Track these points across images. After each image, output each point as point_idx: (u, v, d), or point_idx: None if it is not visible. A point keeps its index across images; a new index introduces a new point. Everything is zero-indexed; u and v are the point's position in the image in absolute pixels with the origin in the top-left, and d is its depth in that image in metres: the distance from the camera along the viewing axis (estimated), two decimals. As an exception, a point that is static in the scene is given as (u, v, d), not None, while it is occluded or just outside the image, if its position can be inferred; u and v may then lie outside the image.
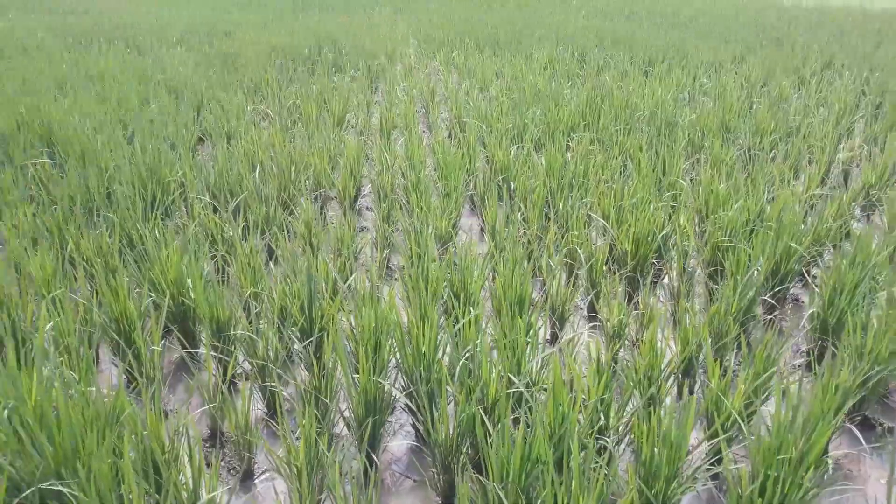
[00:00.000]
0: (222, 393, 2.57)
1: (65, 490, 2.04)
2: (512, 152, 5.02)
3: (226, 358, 2.97)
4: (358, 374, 2.62)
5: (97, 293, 3.32)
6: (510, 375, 2.48)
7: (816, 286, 3.41)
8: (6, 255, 3.60)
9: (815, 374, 3.13)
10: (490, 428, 2.20)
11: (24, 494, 2.09)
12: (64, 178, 4.55)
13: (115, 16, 12.46)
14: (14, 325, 2.85)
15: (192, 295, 3.09)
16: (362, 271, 3.95)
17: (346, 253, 3.69)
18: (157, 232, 3.57)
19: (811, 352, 3.22)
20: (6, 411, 2.11)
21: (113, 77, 7.58)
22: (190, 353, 3.19)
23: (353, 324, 2.86)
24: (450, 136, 6.42)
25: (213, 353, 2.95)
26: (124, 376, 2.93)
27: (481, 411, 2.25)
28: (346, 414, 2.80)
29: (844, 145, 5.84)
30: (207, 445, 2.68)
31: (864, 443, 2.72)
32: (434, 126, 6.56)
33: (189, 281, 3.11)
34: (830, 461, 2.55)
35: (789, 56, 9.57)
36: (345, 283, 3.50)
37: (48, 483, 2.05)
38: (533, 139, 5.62)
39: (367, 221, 4.77)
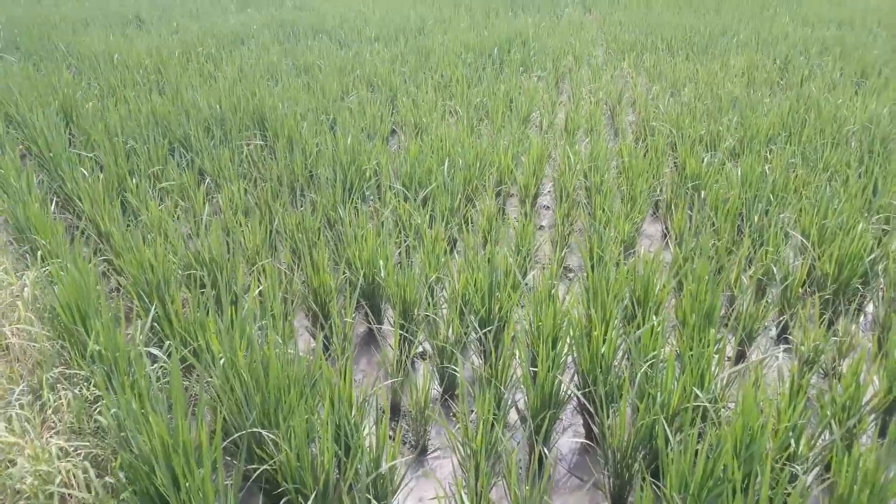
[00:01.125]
0: (405, 369, 2.72)
1: (267, 437, 2.25)
2: (704, 160, 4.82)
3: (409, 337, 3.12)
4: (534, 367, 2.65)
5: (299, 265, 3.62)
6: (694, 389, 2.41)
7: None
8: (222, 223, 4.01)
9: None
10: (671, 438, 2.15)
11: (233, 437, 2.33)
12: (273, 159, 4.99)
13: (322, 11, 13.37)
14: (227, 287, 3.17)
15: (382, 274, 3.28)
16: (539, 268, 3.98)
17: (525, 249, 3.74)
18: (353, 214, 3.82)
19: None
20: (223, 361, 2.37)
21: (318, 68, 8.17)
22: (377, 328, 3.39)
23: (531, 318, 2.90)
24: (636, 140, 6.28)
25: (399, 331, 3.12)
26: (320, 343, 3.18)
27: (663, 420, 2.20)
28: (521, 405, 2.85)
29: None
30: (387, 417, 2.84)
31: None
32: (620, 129, 6.45)
33: (381, 262, 3.30)
34: None
35: None
36: (523, 278, 3.55)
37: (254, 430, 2.27)
38: (728, 148, 5.36)
39: (545, 220, 4.80)
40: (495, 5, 15.30)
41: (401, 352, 2.93)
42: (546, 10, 15.31)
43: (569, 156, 4.93)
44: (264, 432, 2.24)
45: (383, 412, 2.34)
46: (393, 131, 6.59)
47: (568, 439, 2.76)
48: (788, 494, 1.95)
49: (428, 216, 4.02)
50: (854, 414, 2.44)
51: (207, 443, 1.99)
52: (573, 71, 8.68)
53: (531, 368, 2.75)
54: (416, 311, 3.16)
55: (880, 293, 3.52)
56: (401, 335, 3.12)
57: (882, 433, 2.72)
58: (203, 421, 2.03)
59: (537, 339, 2.79)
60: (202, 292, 3.23)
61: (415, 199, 4.36)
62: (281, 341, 2.64)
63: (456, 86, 7.57)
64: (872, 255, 3.54)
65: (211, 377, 2.44)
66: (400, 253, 3.61)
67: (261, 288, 3.10)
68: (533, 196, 4.80)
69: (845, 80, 7.84)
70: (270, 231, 3.94)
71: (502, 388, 2.65)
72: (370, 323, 3.40)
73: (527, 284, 3.56)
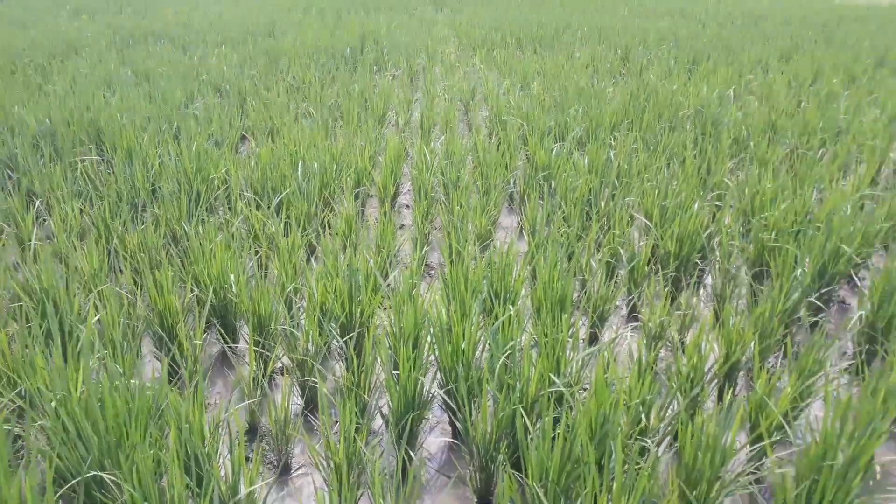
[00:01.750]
0: (262, 388, 2.60)
1: (108, 480, 2.08)
2: (553, 150, 4.98)
3: (266, 353, 3.00)
4: (397, 370, 2.62)
5: (141, 288, 3.39)
6: (550, 375, 2.46)
7: (865, 289, 3.31)
8: (55, 248, 3.70)
9: (863, 378, 3.04)
10: (530, 427, 2.18)
11: (70, 484, 2.14)
12: (111, 174, 4.66)
13: (163, 15, 12.71)
14: (61, 318, 2.92)
15: (234, 290, 3.13)
16: (401, 268, 3.95)
17: (386, 250, 3.70)
18: (200, 227, 3.63)
19: (858, 355, 3.13)
20: (53, 403, 2.16)
21: (159, 75, 7.74)
22: (231, 347, 3.23)
23: (393, 321, 2.87)
24: (490, 134, 6.40)
25: (254, 347, 2.98)
26: (166, 370, 2.99)
27: (521, 409, 2.23)
28: (385, 410, 2.81)
29: (898, 144, 5.65)
30: (246, 440, 2.71)
31: (917, 451, 2.63)
32: (474, 124, 6.55)
33: (231, 276, 3.15)
34: (878, 467, 2.48)
35: (839, 53, 9.31)
36: (385, 279, 3.51)
37: (93, 473, 2.09)
38: (575, 137, 5.57)
39: (406, 219, 4.79)
40: (347, 5, 15.16)
41: (258, 369, 2.81)
42: (399, 9, 15.34)
43: (425, 154, 4.95)
44: (104, 474, 2.07)
45: (238, 434, 2.22)
46: (243, 137, 6.35)
47: (436, 439, 2.75)
48: (640, 468, 2.03)
49: (283, 224, 3.89)
50: (697, 383, 2.58)
51: (36, 497, 1.80)
52: (427, 69, 8.74)
53: (394, 371, 2.71)
54: (272, 324, 3.04)
55: (717, 266, 3.77)
56: (257, 352, 3.00)
57: (721, 398, 2.90)
58: (33, 472, 1.84)
59: (398, 341, 2.76)
60: (30, 327, 2.96)
61: (268, 207, 4.21)
62: (122, 371, 2.46)
63: (309, 87, 7.41)
64: (708, 231, 3.78)
65: (41, 420, 2.23)
66: (254, 265, 3.46)
67: (98, 316, 2.87)
68: (392, 196, 4.77)
69: (679, 67, 8.37)
70: (109, 252, 3.67)
71: (365, 395, 2.60)
72: (224, 342, 3.24)
73: (388, 286, 3.53)
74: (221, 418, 2.31)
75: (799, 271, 3.16)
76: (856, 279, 3.82)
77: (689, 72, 8.39)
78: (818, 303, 3.46)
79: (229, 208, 4.47)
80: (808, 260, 3.40)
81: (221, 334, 3.25)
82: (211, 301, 3.17)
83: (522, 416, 2.28)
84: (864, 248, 3.73)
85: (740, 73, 7.98)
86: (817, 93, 7.13)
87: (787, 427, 2.28)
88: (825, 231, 3.50)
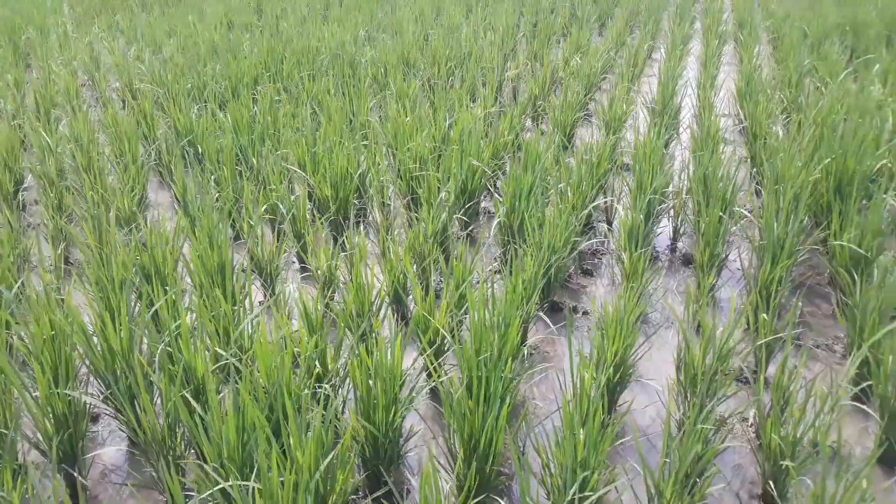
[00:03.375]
0: None
1: None
2: (194, 113, 4.69)
3: None
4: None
5: None
6: (217, 349, 2.34)
7: (500, 196, 3.69)
8: None
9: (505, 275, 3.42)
10: (200, 409, 2.06)
11: None
12: None
13: None
14: None
15: None
16: (37, 272, 3.46)
17: (11, 256, 3.19)
18: None
19: (503, 255, 3.50)
20: None
21: None
22: None
23: (31, 335, 2.49)
24: (123, 106, 5.83)
25: None
26: None
27: (187, 395, 2.10)
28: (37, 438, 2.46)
29: (510, 64, 6.35)
30: None
31: (552, 325, 3.04)
32: (105, 98, 5.90)
33: None
34: (526, 349, 2.81)
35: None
36: (10, 290, 3.03)
37: None
38: (217, 97, 5.31)
39: (36, 216, 4.18)
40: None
41: None
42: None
43: (44, 139, 4.32)
44: None
45: None
46: None
47: (111, 449, 2.49)
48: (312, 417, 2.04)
49: None
50: (365, 316, 2.67)
51: None
52: (39, 43, 7.61)
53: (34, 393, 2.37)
54: None
55: (373, 202, 3.92)
56: None
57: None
58: None
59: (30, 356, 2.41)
60: None
61: None
62: None
63: None
64: (360, 171, 3.89)
65: None
66: None
67: None
68: (12, 193, 4.12)
69: (314, 13, 8.39)
70: None
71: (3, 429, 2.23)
72: None
73: (19, 296, 3.05)
74: None
75: (443, 193, 3.40)
76: (493, 190, 4.24)
77: (323, 17, 8.46)
78: (465, 218, 3.78)
79: None
80: (450, 181, 3.68)
81: None
82: None
83: (189, 401, 2.15)
84: (495, 160, 4.15)
85: (371, 13, 8.26)
86: (442, 25, 7.68)
87: (445, 334, 2.46)
88: (460, 151, 3.81)
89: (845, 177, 3.53)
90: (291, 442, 1.86)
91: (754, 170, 4.34)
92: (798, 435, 2.13)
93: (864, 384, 2.58)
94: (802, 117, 4.44)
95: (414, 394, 2.25)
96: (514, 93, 5.90)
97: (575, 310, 3.23)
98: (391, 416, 2.15)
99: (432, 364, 2.44)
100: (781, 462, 2.14)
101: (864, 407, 2.51)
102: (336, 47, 6.30)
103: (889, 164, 3.88)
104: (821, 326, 3.09)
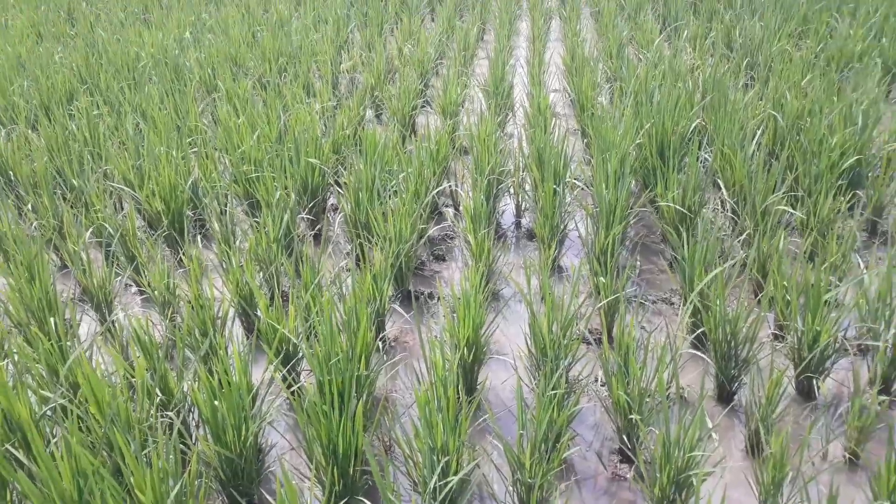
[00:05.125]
0: None
1: None
2: (1, 138, 4.27)
3: None
4: None
5: None
6: (42, 392, 2.14)
7: (342, 191, 3.63)
8: None
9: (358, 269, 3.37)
10: (27, 460, 1.87)
11: None
12: None
13: None
14: None
15: None
16: None
17: None
18: None
19: (353, 249, 3.45)
20: None
21: None
22: None
23: None
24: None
25: None
26: None
27: (10, 448, 1.90)
28: None
29: (345, 56, 6.27)
30: None
31: (405, 314, 3.04)
32: None
33: None
34: (382, 343, 2.79)
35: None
36: None
37: None
38: (27, 116, 4.86)
39: None
40: None
41: None
42: None
43: None
44: None
45: None
46: None
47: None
48: (149, 452, 1.91)
49: None
50: (208, 333, 2.54)
51: None
52: None
53: None
54: None
55: (210, 211, 3.73)
56: None
57: (248, 335, 2.94)
58: None
59: None
60: None
61: None
62: None
63: None
64: (192, 179, 3.70)
65: None
66: None
67: None
68: None
69: (133, 17, 7.89)
70: None
71: None
72: None
73: None
74: None
75: (278, 194, 3.29)
76: (338, 186, 4.17)
77: (143, 21, 7.97)
78: (310, 217, 3.69)
79: None
80: (288, 181, 3.57)
81: None
82: None
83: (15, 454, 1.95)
84: (335, 155, 4.07)
85: (195, 13, 7.88)
86: (270, 21, 7.45)
87: (294, 341, 2.39)
88: (297, 149, 3.71)
89: (665, 139, 3.76)
90: (133, 479, 1.73)
91: (585, 140, 4.54)
92: (643, 387, 2.25)
93: (699, 331, 2.76)
94: (623, 86, 4.69)
95: (265, 407, 2.17)
96: (351, 85, 5.83)
97: (431, 296, 3.24)
98: (243, 434, 2.06)
99: (281, 373, 2.36)
100: (630, 416, 2.25)
101: (700, 353, 2.70)
102: (158, 52, 5.95)
103: (704, 123, 4.18)
104: (658, 282, 3.29)
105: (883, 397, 2.41)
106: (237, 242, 3.43)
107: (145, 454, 1.90)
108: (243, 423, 2.06)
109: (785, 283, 2.66)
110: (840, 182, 3.46)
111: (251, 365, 2.33)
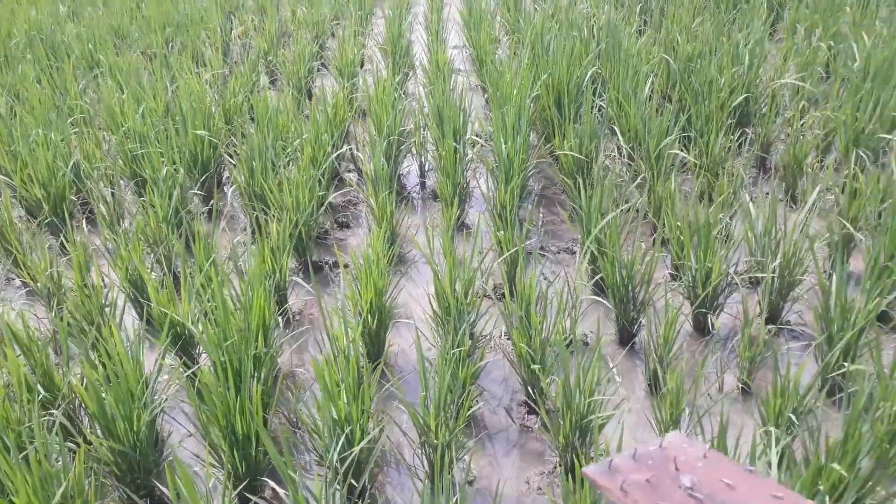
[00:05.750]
0: None
1: None
2: None
3: None
4: None
5: None
6: None
7: (234, 163, 3.49)
8: None
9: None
10: None
11: None
12: None
13: None
14: None
15: None
16: None
17: None
18: None
19: (249, 224, 3.34)
20: None
21: None
22: None
23: None
24: None
25: None
26: None
27: None
28: None
29: (236, 22, 6.01)
30: None
31: (307, 285, 2.97)
32: None
33: None
34: (282, 318, 2.71)
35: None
36: None
37: None
38: None
39: None
40: None
41: None
42: None
43: None
44: None
45: None
46: None
47: None
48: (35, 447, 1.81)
49: None
50: (94, 322, 2.41)
51: None
52: None
53: None
54: None
55: (98, 195, 3.54)
56: None
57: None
58: None
59: None
60: None
61: None
62: None
63: None
64: (73, 161, 3.48)
65: None
66: None
67: None
68: None
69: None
70: None
71: None
72: None
73: None
74: None
75: (165, 170, 3.13)
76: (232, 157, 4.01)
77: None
78: (203, 193, 3.54)
79: None
80: (177, 156, 3.41)
81: None
82: None
83: None
84: (228, 126, 3.91)
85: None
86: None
87: (187, 324, 2.30)
88: (185, 121, 3.54)
89: (562, 89, 3.76)
90: (14, 485, 1.63)
91: (485, 96, 4.50)
92: (544, 338, 2.27)
93: (597, 277, 2.80)
94: (520, 38, 4.67)
95: (155, 395, 2.08)
96: (243, 52, 5.60)
97: (336, 265, 3.18)
98: (135, 425, 1.97)
99: (178, 358, 2.27)
100: (532, 366, 2.26)
101: (601, 299, 2.74)
102: (32, 28, 5.55)
103: (600, 72, 4.20)
104: (560, 232, 3.31)
105: (770, 326, 2.51)
106: (125, 224, 3.26)
107: (23, 457, 1.79)
108: (134, 413, 1.97)
109: (678, 223, 2.72)
110: (730, 121, 3.55)
111: (143, 352, 2.22)
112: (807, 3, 5.01)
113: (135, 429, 1.97)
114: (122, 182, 3.60)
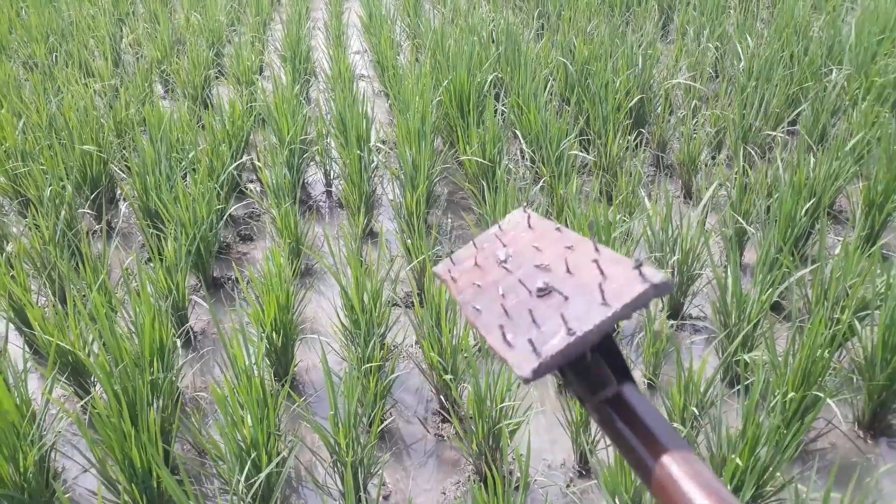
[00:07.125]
0: None
1: None
2: None
3: None
4: None
5: None
6: None
7: (126, 178, 3.32)
8: None
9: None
10: None
11: None
12: None
13: None
14: None
15: None
16: None
17: None
18: None
19: (146, 242, 3.19)
20: None
21: None
22: None
23: None
24: None
25: None
26: None
27: None
28: None
29: (127, 30, 5.74)
30: None
31: (206, 305, 2.85)
32: None
33: None
34: (178, 341, 2.59)
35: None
36: None
37: None
38: None
39: None
40: None
41: None
42: None
43: None
44: None
45: None
46: None
47: None
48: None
49: None
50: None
51: None
52: None
53: None
54: None
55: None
56: None
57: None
58: None
59: None
60: None
61: None
62: None
63: None
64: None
65: None
66: None
67: None
68: None
69: None
70: None
71: None
72: None
73: None
74: None
75: (48, 190, 2.95)
76: (126, 172, 3.83)
77: None
78: (94, 212, 3.36)
79: None
80: (63, 173, 3.21)
81: None
82: None
83: None
84: (119, 139, 3.72)
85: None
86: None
87: (76, 352, 2.16)
88: (68, 137, 3.34)
89: (464, 94, 3.77)
90: None
91: (389, 102, 4.47)
92: (455, 345, 2.25)
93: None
94: (421, 43, 4.66)
95: (49, 430, 1.94)
96: (136, 60, 5.35)
97: (237, 280, 3.07)
98: (21, 465, 1.83)
99: (65, 388, 2.13)
100: (444, 376, 2.25)
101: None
102: None
103: (501, 76, 4.24)
104: (469, 237, 3.32)
105: (672, 321, 2.59)
106: (8, 248, 3.05)
107: None
108: (19, 452, 1.83)
109: (580, 224, 2.76)
110: (627, 122, 3.65)
111: (29, 385, 2.07)
112: (694, 6, 5.22)
113: (21, 469, 1.83)
114: (1, 203, 3.37)
